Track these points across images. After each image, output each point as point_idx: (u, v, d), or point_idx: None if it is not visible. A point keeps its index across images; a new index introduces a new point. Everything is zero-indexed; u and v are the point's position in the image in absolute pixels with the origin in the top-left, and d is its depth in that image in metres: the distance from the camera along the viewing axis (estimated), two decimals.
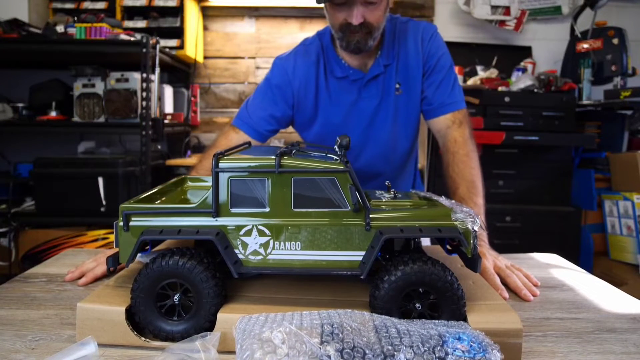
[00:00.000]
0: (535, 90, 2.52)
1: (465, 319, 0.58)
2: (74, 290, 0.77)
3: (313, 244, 0.59)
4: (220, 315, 0.58)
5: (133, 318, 0.60)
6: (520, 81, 2.57)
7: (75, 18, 2.39)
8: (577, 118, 2.58)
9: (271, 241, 0.59)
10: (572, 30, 2.81)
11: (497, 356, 0.48)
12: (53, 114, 2.35)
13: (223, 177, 0.59)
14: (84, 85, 2.28)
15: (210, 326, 0.57)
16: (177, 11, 2.65)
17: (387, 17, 1.15)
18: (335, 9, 1.08)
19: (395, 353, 0.47)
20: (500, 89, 2.54)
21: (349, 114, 1.23)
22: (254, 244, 0.59)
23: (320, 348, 0.46)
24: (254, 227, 0.59)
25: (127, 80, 2.25)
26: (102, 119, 2.27)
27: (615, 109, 2.60)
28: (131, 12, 2.69)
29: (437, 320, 0.56)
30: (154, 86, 2.28)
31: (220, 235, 0.59)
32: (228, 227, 0.59)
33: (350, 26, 1.07)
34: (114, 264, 0.65)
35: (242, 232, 0.59)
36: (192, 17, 2.75)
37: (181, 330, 0.58)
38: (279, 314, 0.55)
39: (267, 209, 0.59)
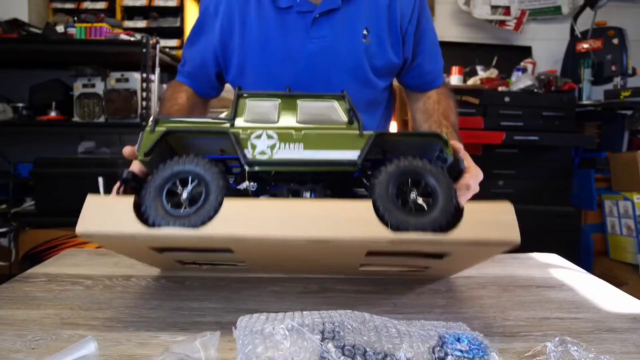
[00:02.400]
0: (535, 90, 2.53)
1: (459, 207, 0.59)
2: (74, 290, 0.77)
3: (314, 145, 0.66)
4: (226, 202, 0.60)
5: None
6: (520, 81, 2.57)
7: (75, 18, 2.40)
8: (577, 118, 2.58)
9: (277, 143, 0.66)
10: (572, 30, 2.81)
11: (496, 357, 0.48)
12: (53, 114, 2.35)
13: (242, 100, 0.68)
14: (84, 85, 2.28)
15: (214, 214, 0.59)
16: (177, 11, 2.65)
17: None
18: None
19: (396, 352, 0.47)
20: (500, 89, 2.55)
21: (295, 59, 0.95)
22: (263, 146, 0.66)
23: (321, 345, 0.46)
24: (264, 131, 0.66)
25: (127, 80, 2.25)
26: (102, 119, 2.27)
27: (615, 109, 2.60)
28: (131, 12, 2.69)
29: (436, 322, 0.56)
30: (154, 86, 2.28)
31: (234, 135, 0.65)
32: (241, 132, 0.66)
33: None
34: (128, 176, 0.70)
35: (253, 136, 0.66)
36: (192, 17, 2.75)
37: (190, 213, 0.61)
38: (280, 313, 0.55)
39: (276, 123, 0.67)
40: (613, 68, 2.58)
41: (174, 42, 2.65)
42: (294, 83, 0.92)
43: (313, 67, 0.95)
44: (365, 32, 0.95)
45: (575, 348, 0.53)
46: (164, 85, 2.55)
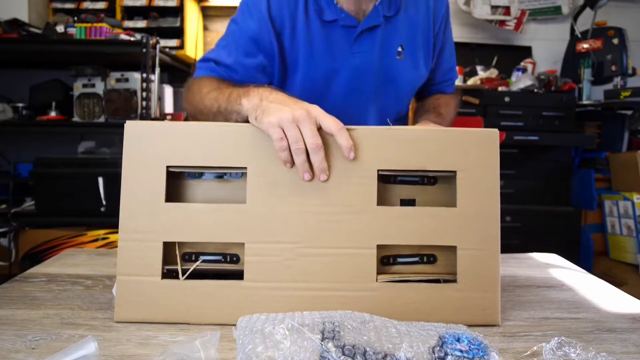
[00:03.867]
0: (535, 90, 2.53)
1: None
2: (74, 290, 0.77)
3: None
4: None
5: None
6: (520, 81, 2.57)
7: (75, 18, 2.40)
8: (577, 118, 2.58)
9: None
10: (572, 30, 2.81)
11: (496, 357, 0.48)
12: (53, 114, 2.35)
13: None
14: (84, 85, 2.28)
15: None
16: (177, 11, 2.65)
17: None
18: None
19: (396, 352, 0.47)
20: (500, 89, 2.55)
21: (336, 72, 0.98)
22: None
23: (321, 344, 0.46)
24: None
25: (127, 80, 2.25)
26: (102, 119, 2.27)
27: (615, 109, 2.60)
28: (131, 12, 2.69)
29: (436, 323, 0.56)
30: (154, 86, 2.28)
31: None
32: None
33: None
34: None
35: None
36: (192, 17, 2.75)
37: None
38: (280, 313, 0.55)
39: None
40: (613, 68, 2.58)
41: (174, 42, 2.65)
42: (335, 94, 0.99)
43: (353, 80, 0.99)
44: (400, 49, 0.99)
45: (572, 349, 0.53)
46: (164, 85, 2.55)
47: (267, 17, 0.94)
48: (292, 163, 0.64)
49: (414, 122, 1.09)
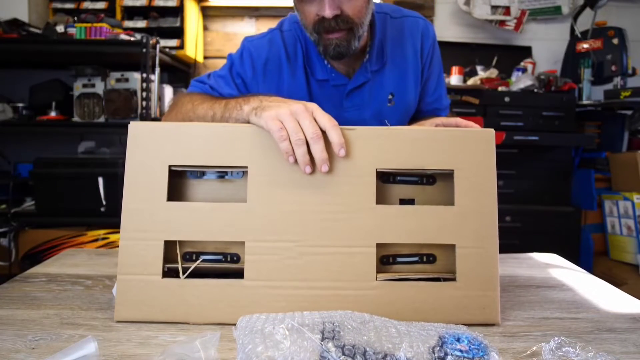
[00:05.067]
0: (535, 90, 2.52)
1: None
2: (74, 290, 0.78)
3: None
4: None
5: None
6: (520, 81, 2.57)
7: (75, 18, 2.39)
8: (577, 118, 2.58)
9: None
10: (572, 30, 2.81)
11: (496, 357, 0.48)
12: (53, 114, 2.35)
13: None
14: (84, 85, 2.28)
15: None
16: (177, 11, 2.65)
17: (371, 8, 0.94)
18: (304, 3, 0.89)
19: (396, 352, 0.47)
20: (500, 89, 2.55)
21: None
22: None
23: (321, 344, 0.46)
24: None
25: (127, 80, 2.25)
26: (102, 119, 2.27)
27: (615, 109, 2.60)
28: (131, 12, 2.69)
29: (436, 323, 0.56)
30: (154, 86, 2.29)
31: None
32: None
33: (324, 22, 0.87)
34: None
35: None
36: (192, 17, 2.75)
37: None
38: (280, 313, 0.55)
39: None
40: (613, 68, 2.58)
41: (174, 42, 2.64)
42: None
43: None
44: (390, 96, 1.05)
45: (572, 349, 0.53)
46: (164, 85, 2.55)
47: (261, 72, 1.01)
48: (294, 154, 0.64)
49: None
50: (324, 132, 0.65)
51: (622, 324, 0.67)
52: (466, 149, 0.66)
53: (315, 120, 0.65)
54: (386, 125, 0.69)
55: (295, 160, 0.65)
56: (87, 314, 0.67)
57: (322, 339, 0.47)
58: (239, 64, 1.02)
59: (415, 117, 1.15)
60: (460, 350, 0.48)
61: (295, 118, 0.64)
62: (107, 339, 0.59)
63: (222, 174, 0.70)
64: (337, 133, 0.64)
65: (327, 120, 0.65)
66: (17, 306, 0.70)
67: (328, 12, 0.86)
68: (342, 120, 0.93)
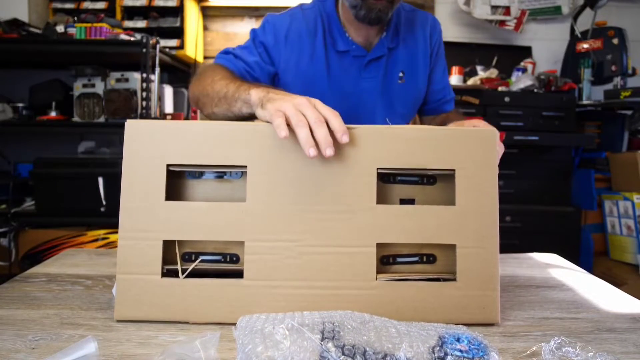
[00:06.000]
0: (535, 90, 2.52)
1: None
2: (74, 290, 0.78)
3: None
4: None
5: None
6: (520, 81, 2.57)
7: (75, 18, 2.39)
8: (577, 118, 2.58)
9: None
10: (572, 30, 2.81)
11: (496, 357, 0.48)
12: (53, 114, 2.35)
13: None
14: (84, 85, 2.28)
15: None
16: (177, 11, 2.65)
17: None
18: None
19: (395, 352, 0.47)
20: (500, 89, 2.55)
21: (349, 93, 1.12)
22: None
23: (321, 344, 0.46)
24: None
25: (127, 80, 2.25)
26: (102, 119, 2.26)
27: (615, 109, 2.60)
28: (131, 12, 2.69)
29: (436, 323, 0.56)
30: (154, 86, 2.28)
31: None
32: None
33: None
34: None
35: None
36: (192, 17, 2.75)
37: None
38: (280, 313, 0.55)
39: None
40: (613, 68, 2.58)
41: (174, 42, 2.64)
42: (347, 113, 0.98)
43: (361, 102, 1.12)
44: (401, 74, 1.13)
45: (572, 349, 0.53)
46: (164, 85, 2.55)
47: (283, 42, 1.07)
48: (287, 132, 0.62)
49: None
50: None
51: (622, 324, 0.67)
52: (467, 149, 0.66)
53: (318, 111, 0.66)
54: (387, 124, 0.69)
55: (288, 134, 0.62)
56: (87, 314, 0.67)
57: (322, 339, 0.47)
58: (262, 33, 1.09)
59: (422, 108, 1.23)
60: (460, 350, 0.48)
61: (298, 109, 0.65)
62: (107, 339, 0.59)
63: (221, 174, 0.70)
64: (338, 121, 0.64)
65: (328, 111, 0.65)
66: (17, 306, 0.70)
67: None
68: (360, 89, 1.13)
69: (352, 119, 1.02)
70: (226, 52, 1.10)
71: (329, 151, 0.62)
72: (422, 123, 1.29)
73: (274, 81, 1.11)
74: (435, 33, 1.17)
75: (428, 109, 1.24)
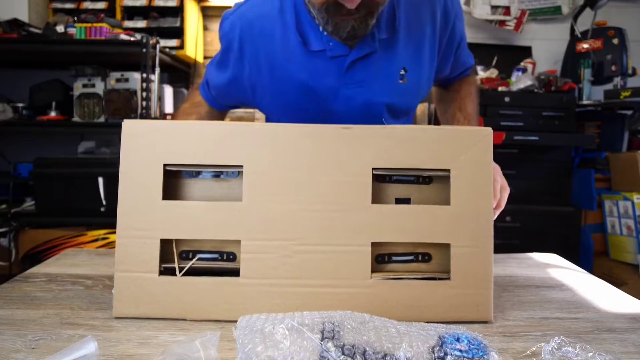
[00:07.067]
0: (535, 90, 2.52)
1: None
2: (74, 290, 0.78)
3: None
4: None
5: None
6: (520, 81, 2.57)
7: (75, 18, 2.40)
8: (577, 118, 2.58)
9: None
10: (572, 30, 2.81)
11: (495, 357, 0.48)
12: (53, 114, 2.35)
13: None
14: (84, 85, 2.28)
15: None
16: (177, 11, 2.65)
17: None
18: None
19: (395, 351, 0.47)
20: (500, 89, 2.54)
21: (326, 105, 0.88)
22: None
23: (321, 344, 0.46)
24: None
25: (127, 80, 2.25)
26: (102, 119, 2.27)
27: (615, 109, 2.60)
28: (131, 12, 2.69)
29: (436, 323, 0.56)
30: (154, 86, 2.29)
31: None
32: None
33: (342, 8, 0.72)
34: None
35: None
36: (192, 17, 2.75)
37: None
38: (280, 313, 0.55)
39: None
40: (613, 68, 2.58)
41: (174, 42, 2.64)
42: (331, 119, 0.85)
43: (349, 107, 0.90)
44: (402, 72, 0.88)
45: (572, 349, 0.53)
46: (164, 85, 2.55)
47: (237, 51, 0.90)
48: None
49: (442, 118, 1.07)
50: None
51: (622, 324, 0.67)
52: (462, 148, 0.67)
53: None
54: (383, 124, 0.69)
55: None
56: (87, 314, 0.67)
57: (322, 339, 0.47)
58: (220, 40, 0.94)
59: (441, 84, 1.05)
60: (460, 350, 0.48)
61: None
62: (107, 339, 0.59)
63: (218, 173, 0.70)
64: None
65: None
66: (17, 306, 0.70)
67: (350, 4, 0.70)
68: (343, 96, 0.87)
69: (340, 122, 0.90)
70: (206, 75, 1.01)
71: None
72: (437, 94, 1.11)
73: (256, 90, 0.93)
74: (446, 15, 0.90)
75: (438, 82, 1.04)
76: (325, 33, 0.83)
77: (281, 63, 0.87)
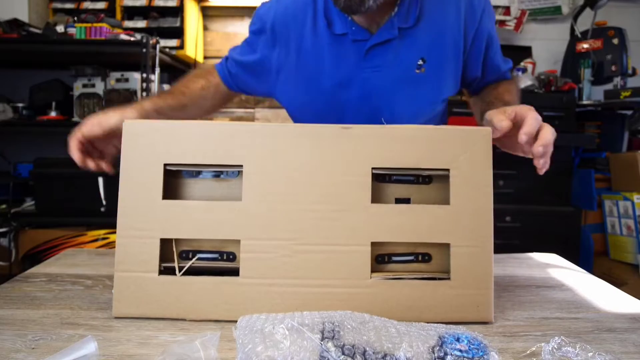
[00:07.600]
0: (535, 90, 2.52)
1: None
2: (74, 290, 0.78)
3: None
4: None
5: None
6: (520, 81, 2.57)
7: (75, 18, 2.39)
8: (577, 118, 2.58)
9: None
10: (572, 30, 2.81)
11: (495, 357, 0.48)
12: (53, 114, 2.35)
13: None
14: (84, 85, 2.28)
15: None
16: (177, 11, 2.65)
17: None
18: None
19: (395, 351, 0.47)
20: None
21: (344, 87, 0.92)
22: None
23: (321, 344, 0.46)
24: None
25: (127, 80, 2.25)
26: None
27: (615, 109, 2.60)
28: (131, 12, 2.69)
29: (436, 323, 0.56)
30: (154, 86, 2.28)
31: None
32: None
33: None
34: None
35: None
36: (192, 17, 2.75)
37: None
38: (280, 313, 0.55)
39: None
40: (613, 68, 2.58)
41: (174, 42, 2.64)
42: (348, 108, 0.95)
43: (366, 94, 0.93)
44: (420, 62, 0.90)
45: (572, 349, 0.53)
46: (164, 85, 2.54)
47: (270, 32, 0.95)
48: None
49: (481, 117, 1.01)
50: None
51: (622, 324, 0.67)
52: (462, 148, 0.67)
53: None
54: (382, 123, 0.69)
55: None
56: (87, 314, 0.67)
57: (322, 339, 0.47)
58: (251, 25, 1.00)
59: (476, 90, 1.03)
60: (460, 350, 0.48)
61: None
62: (107, 339, 0.59)
63: (218, 173, 0.70)
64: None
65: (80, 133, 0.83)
66: (17, 306, 0.70)
67: None
68: (361, 81, 0.91)
69: (355, 111, 0.94)
70: (229, 54, 1.05)
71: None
72: (471, 100, 1.08)
73: (278, 74, 0.97)
74: (472, 9, 0.91)
75: (475, 90, 1.03)
76: (349, 18, 0.89)
77: (308, 47, 0.92)
